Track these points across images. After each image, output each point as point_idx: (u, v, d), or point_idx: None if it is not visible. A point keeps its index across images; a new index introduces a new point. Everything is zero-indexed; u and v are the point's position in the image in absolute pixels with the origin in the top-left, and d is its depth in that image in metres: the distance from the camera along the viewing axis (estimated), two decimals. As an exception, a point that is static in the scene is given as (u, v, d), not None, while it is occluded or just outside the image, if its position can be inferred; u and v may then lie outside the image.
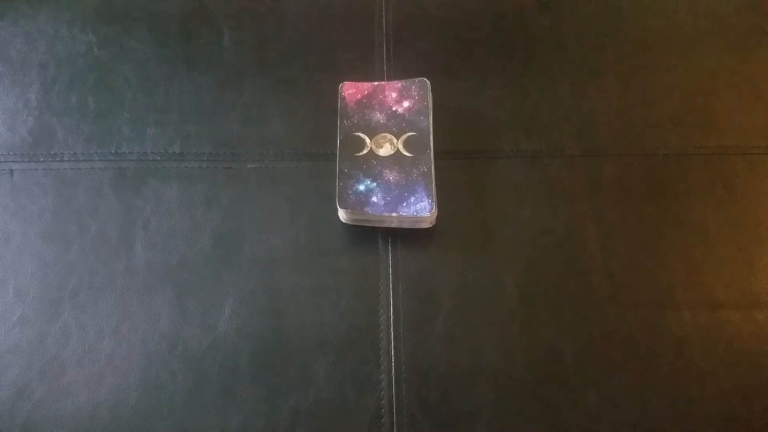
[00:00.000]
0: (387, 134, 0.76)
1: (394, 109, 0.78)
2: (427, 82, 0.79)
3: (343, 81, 0.80)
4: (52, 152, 0.78)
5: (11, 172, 0.77)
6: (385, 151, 0.75)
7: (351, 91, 0.79)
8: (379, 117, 0.77)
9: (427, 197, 0.72)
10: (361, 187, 0.73)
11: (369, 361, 0.68)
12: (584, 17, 0.88)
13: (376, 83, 0.80)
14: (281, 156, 0.78)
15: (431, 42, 0.86)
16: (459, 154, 0.78)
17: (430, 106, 0.78)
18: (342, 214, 0.73)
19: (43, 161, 0.78)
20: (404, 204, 0.72)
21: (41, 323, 0.69)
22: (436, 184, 0.73)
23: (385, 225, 0.73)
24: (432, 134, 0.76)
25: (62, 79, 0.83)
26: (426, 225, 0.73)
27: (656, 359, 0.67)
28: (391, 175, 0.74)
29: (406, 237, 0.73)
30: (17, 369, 0.67)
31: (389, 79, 0.83)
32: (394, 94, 0.79)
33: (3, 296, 0.71)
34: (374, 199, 0.72)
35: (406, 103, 0.78)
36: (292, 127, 0.80)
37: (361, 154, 0.75)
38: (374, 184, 0.73)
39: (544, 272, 0.72)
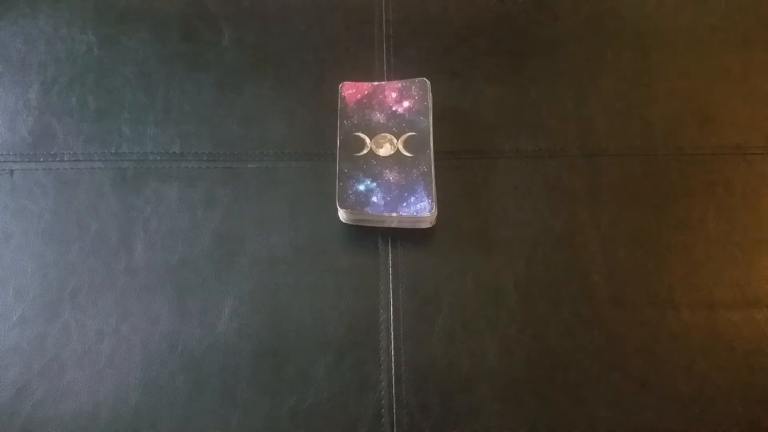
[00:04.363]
0: (387, 134, 0.76)
1: (394, 109, 0.78)
2: (427, 82, 0.79)
3: (343, 81, 0.80)
4: (52, 152, 0.78)
5: (11, 172, 0.77)
6: (385, 151, 0.75)
7: (351, 91, 0.79)
8: (379, 117, 0.77)
9: (427, 197, 0.72)
10: (361, 187, 0.73)
11: (369, 361, 0.68)
12: (584, 17, 0.88)
13: (376, 83, 0.80)
14: (281, 156, 0.78)
15: (431, 42, 0.86)
16: (459, 154, 0.78)
17: (430, 106, 0.78)
18: (342, 214, 0.73)
19: (43, 161, 0.78)
20: (404, 204, 0.72)
21: (41, 323, 0.69)
22: (436, 184, 0.73)
23: (385, 225, 0.73)
24: (432, 134, 0.76)
25: (62, 79, 0.83)
26: (426, 225, 0.73)
27: (656, 359, 0.67)
28: (391, 175, 0.74)
29: (406, 237, 0.73)
30: (17, 369, 0.67)
31: (389, 79, 0.83)
32: (394, 94, 0.79)
33: (3, 296, 0.71)
34: (374, 199, 0.72)
35: (406, 103, 0.78)
36: (292, 127, 0.80)
37: (361, 154, 0.75)
38: (374, 184, 0.73)
39: (544, 272, 0.72)
